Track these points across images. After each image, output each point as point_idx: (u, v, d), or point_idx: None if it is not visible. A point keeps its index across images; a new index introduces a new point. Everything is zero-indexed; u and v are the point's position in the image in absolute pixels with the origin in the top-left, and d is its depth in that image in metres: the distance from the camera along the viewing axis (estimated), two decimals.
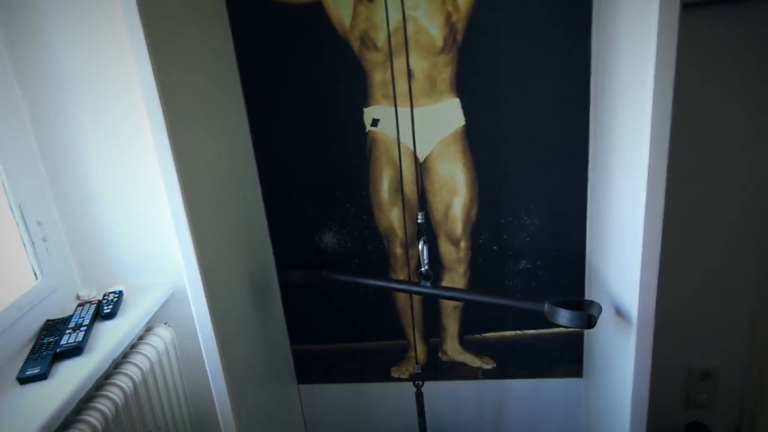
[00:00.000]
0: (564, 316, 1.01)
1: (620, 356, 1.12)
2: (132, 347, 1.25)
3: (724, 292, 1.40)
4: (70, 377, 1.03)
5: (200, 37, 1.11)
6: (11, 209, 1.16)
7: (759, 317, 1.40)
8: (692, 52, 1.20)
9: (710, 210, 1.33)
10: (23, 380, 1.03)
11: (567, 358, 1.45)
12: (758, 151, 1.27)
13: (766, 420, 1.51)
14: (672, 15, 0.82)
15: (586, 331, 1.40)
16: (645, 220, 0.94)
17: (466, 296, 1.18)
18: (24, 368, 1.05)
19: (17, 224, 1.17)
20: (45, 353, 1.08)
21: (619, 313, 1.08)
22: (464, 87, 1.22)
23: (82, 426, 1.01)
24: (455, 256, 1.37)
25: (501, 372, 1.49)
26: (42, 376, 1.03)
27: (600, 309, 1.06)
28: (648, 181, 0.91)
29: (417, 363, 1.48)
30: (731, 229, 1.34)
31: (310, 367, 1.53)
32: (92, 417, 1.03)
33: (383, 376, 1.52)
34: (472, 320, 1.44)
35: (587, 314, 0.99)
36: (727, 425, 1.53)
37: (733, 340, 1.44)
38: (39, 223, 1.21)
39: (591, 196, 1.27)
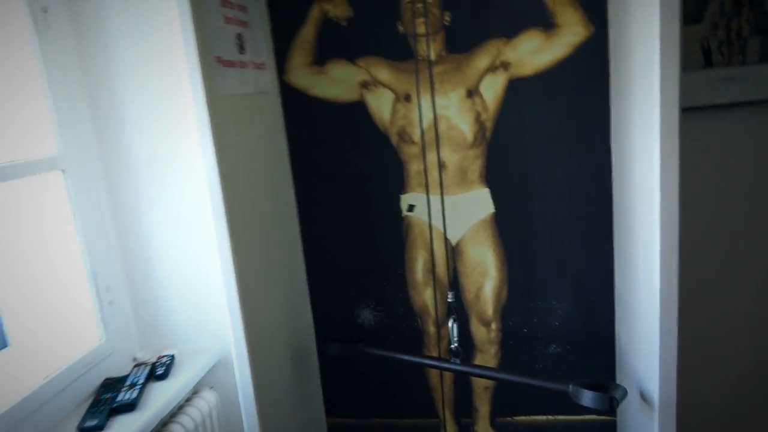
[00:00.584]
0: (587, 397, 1.04)
1: None
2: (179, 408, 1.34)
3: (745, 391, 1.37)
4: (126, 426, 1.13)
5: (257, 131, 1.28)
6: (87, 275, 1.31)
7: None
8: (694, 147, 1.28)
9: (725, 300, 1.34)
10: (82, 431, 1.14)
11: None
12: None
13: None
14: (672, 119, 0.92)
15: (619, 420, 1.40)
16: (660, 306, 0.99)
17: (492, 374, 1.23)
18: (83, 420, 1.16)
19: (89, 289, 1.32)
20: (102, 408, 1.19)
21: (644, 399, 1.10)
22: (493, 178, 1.33)
23: None
24: (486, 336, 1.43)
25: None
26: (99, 428, 1.13)
27: (625, 392, 1.08)
28: (661, 268, 0.97)
29: None
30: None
31: None
32: None
33: None
34: (504, 402, 1.46)
35: (610, 396, 1.02)
36: None
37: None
38: (108, 289, 1.36)
39: (618, 282, 1.31)
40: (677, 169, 0.92)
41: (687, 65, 1.31)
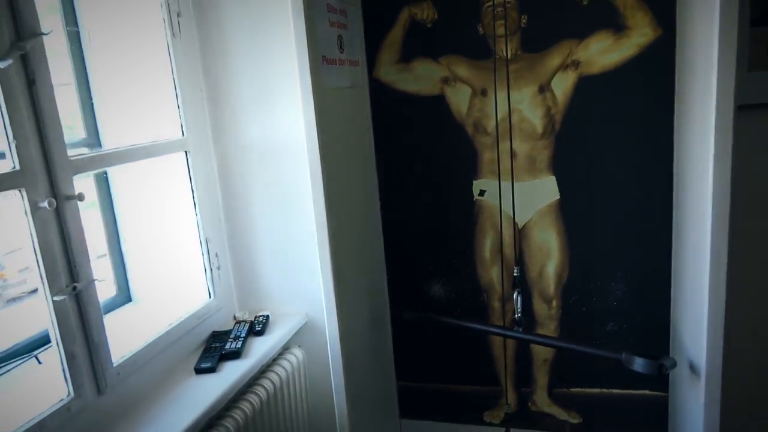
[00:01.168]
0: (638, 363, 1.16)
1: (694, 415, 1.23)
2: (273, 360, 1.54)
3: None
4: (231, 373, 1.34)
5: (350, 119, 1.45)
6: (200, 242, 1.53)
7: None
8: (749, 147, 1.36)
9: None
10: (198, 371, 1.35)
11: (653, 421, 1.54)
12: None
13: None
14: (727, 118, 1.02)
15: (671, 396, 1.50)
16: (709, 287, 1.10)
17: (552, 342, 1.36)
18: (199, 362, 1.38)
19: (202, 254, 1.54)
20: (214, 354, 1.41)
21: (693, 370, 1.21)
22: (560, 167, 1.45)
23: (237, 412, 1.30)
24: (547, 313, 1.56)
25: (587, 428, 1.60)
26: (212, 369, 1.35)
27: (674, 363, 1.20)
28: (711, 255, 1.08)
29: (509, 411, 1.64)
30: None
31: (412, 403, 1.74)
32: (245, 406, 1.32)
33: (477, 419, 1.69)
34: (561, 374, 1.59)
35: (659, 363, 1.14)
36: None
37: None
38: (216, 255, 1.58)
39: (674, 267, 1.41)
40: (729, 163, 1.02)
41: (753, 65, 1.39)
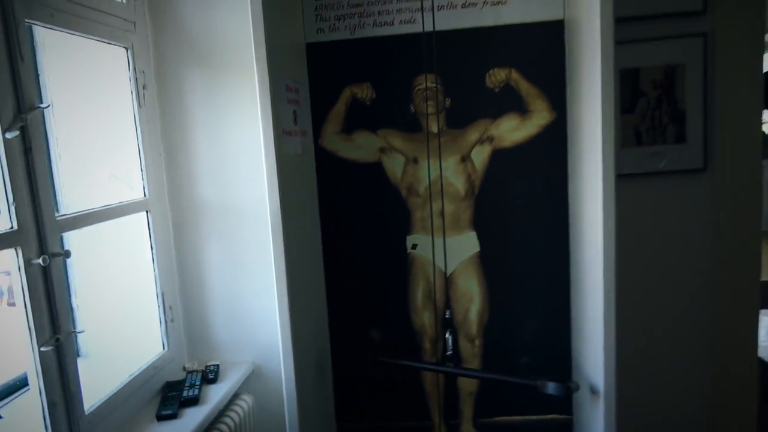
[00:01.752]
0: (551, 387, 1.41)
1: (595, 430, 1.49)
2: (226, 406, 1.64)
3: (686, 395, 1.77)
4: (192, 419, 1.43)
5: (299, 183, 1.63)
6: (156, 296, 1.62)
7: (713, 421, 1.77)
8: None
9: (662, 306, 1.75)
10: (160, 417, 1.43)
11: None
12: (699, 265, 1.73)
13: None
14: (608, 183, 1.33)
15: (575, 418, 1.76)
16: (604, 322, 1.38)
17: (482, 374, 1.59)
18: (160, 410, 1.46)
19: (158, 307, 1.63)
20: (173, 401, 1.49)
21: (593, 392, 1.48)
22: (479, 224, 1.72)
23: None
24: (471, 351, 1.78)
25: None
26: (174, 416, 1.43)
27: (578, 386, 1.46)
28: (604, 293, 1.36)
29: None
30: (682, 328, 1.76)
31: None
32: None
33: None
34: (484, 406, 1.81)
35: (566, 385, 1.39)
36: None
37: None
38: (170, 308, 1.67)
39: (573, 307, 1.70)
40: (612, 215, 1.32)
41: (624, 143, 1.75)
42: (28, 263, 1.11)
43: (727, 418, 1.80)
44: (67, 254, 1.19)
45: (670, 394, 1.79)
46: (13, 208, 1.08)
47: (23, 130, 1.11)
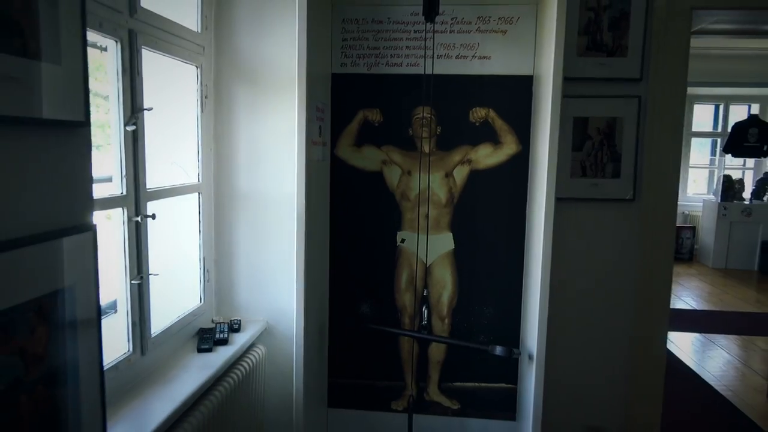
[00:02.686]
0: (498, 349, 1.87)
1: (530, 393, 1.94)
2: (245, 352, 2.08)
3: (607, 374, 2.24)
4: (223, 353, 1.87)
5: (318, 183, 2.08)
6: (199, 260, 2.06)
7: (631, 392, 2.23)
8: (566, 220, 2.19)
9: (597, 301, 2.22)
10: (200, 350, 1.87)
11: (507, 405, 2.24)
12: (625, 266, 2.20)
13: None
14: (549, 205, 1.80)
15: (519, 386, 2.22)
16: (539, 307, 1.84)
17: (446, 340, 2.05)
18: (199, 344, 1.90)
19: (200, 269, 2.07)
20: (209, 340, 1.93)
21: (530, 359, 1.94)
22: (456, 227, 2.18)
23: (229, 379, 1.83)
24: (441, 328, 2.24)
25: (463, 412, 2.27)
26: (210, 350, 1.87)
27: (519, 352, 1.92)
28: (540, 288, 1.83)
29: (410, 400, 2.27)
30: (609, 321, 2.23)
31: (337, 395, 2.32)
32: (234, 376, 1.85)
33: (386, 407, 2.30)
34: (449, 372, 2.26)
35: (509, 349, 1.86)
36: None
37: (616, 406, 2.25)
38: (208, 271, 2.11)
39: (524, 295, 2.17)
40: (551, 231, 1.79)
41: (573, 174, 2.23)
42: (129, 220, 1.55)
43: (641, 382, 2.27)
44: (153, 217, 1.64)
45: (596, 365, 2.26)
46: (124, 180, 1.53)
47: (135, 125, 1.57)
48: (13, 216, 0.78)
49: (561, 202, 2.17)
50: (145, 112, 1.60)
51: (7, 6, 0.71)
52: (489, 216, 2.18)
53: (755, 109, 7.90)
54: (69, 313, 0.84)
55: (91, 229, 0.91)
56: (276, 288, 2.24)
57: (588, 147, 2.18)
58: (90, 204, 0.93)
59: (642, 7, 2.07)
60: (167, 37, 1.74)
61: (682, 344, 4.52)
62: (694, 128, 8.30)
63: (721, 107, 8.31)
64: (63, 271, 0.83)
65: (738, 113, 7.95)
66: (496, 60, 2.11)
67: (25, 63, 0.75)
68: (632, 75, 2.12)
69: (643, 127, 2.15)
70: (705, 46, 6.69)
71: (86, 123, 0.89)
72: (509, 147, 2.14)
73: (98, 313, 0.93)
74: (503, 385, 2.25)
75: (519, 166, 2.14)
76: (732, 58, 7.23)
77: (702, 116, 8.39)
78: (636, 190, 2.18)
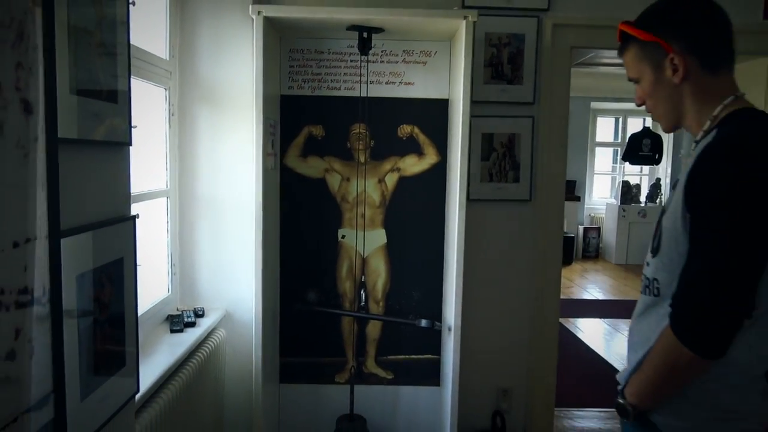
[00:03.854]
0: (422, 322, 2.31)
1: (448, 366, 2.38)
2: (209, 334, 2.40)
3: (514, 343, 2.73)
4: (192, 333, 2.19)
5: (270, 189, 2.44)
6: (167, 255, 2.38)
7: (532, 357, 2.73)
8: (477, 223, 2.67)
9: (504, 283, 2.71)
10: (173, 331, 2.18)
11: (432, 374, 2.68)
12: (525, 254, 2.70)
13: (541, 419, 2.76)
14: (462, 205, 2.25)
15: (441, 357, 2.65)
16: (455, 288, 2.29)
17: (380, 317, 2.46)
18: (172, 327, 2.21)
19: (168, 263, 2.38)
20: (179, 323, 2.24)
21: (449, 330, 2.38)
22: (388, 224, 2.60)
23: (194, 360, 2.16)
24: (377, 310, 2.65)
25: (397, 381, 2.69)
26: (181, 331, 2.19)
27: (440, 325, 2.37)
28: (456, 274, 2.28)
29: (351, 372, 2.66)
30: (516, 296, 2.72)
31: (288, 372, 2.67)
32: (200, 354, 2.18)
33: (331, 380, 2.68)
34: (384, 347, 2.67)
35: (432, 321, 2.29)
36: (519, 422, 2.76)
37: (522, 370, 2.74)
38: (174, 265, 2.43)
39: (444, 280, 2.61)
40: (463, 226, 2.24)
41: (482, 179, 2.71)
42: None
43: (540, 348, 2.77)
44: (137, 216, 1.95)
45: (504, 337, 2.74)
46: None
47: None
48: (92, 205, 1.11)
49: (473, 202, 2.64)
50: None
51: (104, 79, 1.06)
52: (415, 215, 2.61)
53: (648, 122, 8.88)
54: (121, 276, 1.18)
55: (133, 219, 1.25)
56: (232, 280, 2.57)
57: (494, 157, 2.66)
58: (128, 200, 1.28)
59: (533, 46, 2.58)
60: (143, 64, 2.06)
61: (588, 329, 5.16)
62: (598, 139, 9.21)
63: (621, 120, 9.29)
64: (117, 246, 1.17)
65: (634, 125, 8.91)
66: (419, 86, 2.56)
67: (106, 106, 1.09)
68: (527, 99, 2.63)
69: (536, 141, 2.66)
70: (606, 63, 7.54)
71: (129, 143, 1.24)
72: (431, 157, 2.59)
73: (136, 278, 1.26)
74: (429, 356, 2.69)
75: (438, 173, 2.59)
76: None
77: (604, 128, 9.34)
78: (532, 192, 2.69)
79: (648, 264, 1.24)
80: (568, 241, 7.97)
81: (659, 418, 1.16)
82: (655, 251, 1.20)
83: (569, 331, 5.03)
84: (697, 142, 1.19)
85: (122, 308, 1.19)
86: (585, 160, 9.04)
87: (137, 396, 1.41)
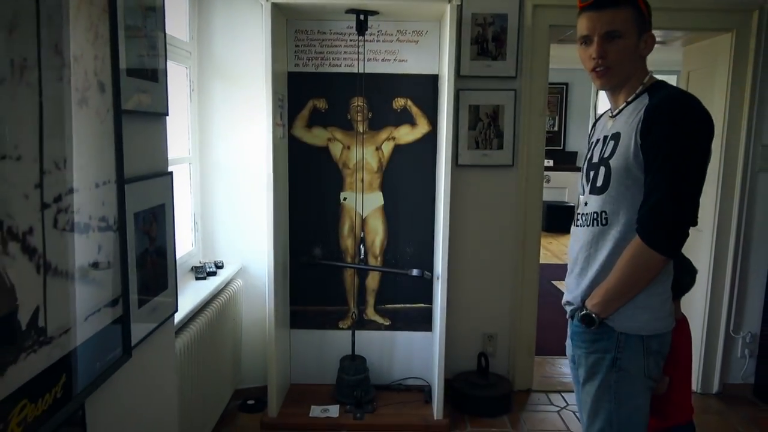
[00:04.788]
0: (414, 271, 2.64)
1: (438, 312, 2.72)
2: (228, 282, 2.75)
3: (498, 294, 3.06)
4: (214, 281, 2.54)
5: (281, 156, 2.76)
6: (191, 215, 2.72)
7: (513, 307, 3.07)
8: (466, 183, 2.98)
9: (489, 239, 3.03)
10: (197, 278, 2.54)
11: (425, 320, 3.02)
12: (509, 215, 3.02)
13: (522, 363, 3.11)
14: (448, 170, 2.56)
15: (433, 306, 2.99)
16: (442, 242, 2.61)
17: (379, 268, 2.80)
18: (197, 275, 2.56)
19: (192, 221, 2.73)
20: (203, 272, 2.59)
21: (437, 278, 2.71)
22: (385, 187, 2.92)
23: (220, 298, 2.51)
24: (375, 264, 2.98)
25: (393, 326, 3.04)
26: (205, 278, 2.54)
27: (431, 275, 2.70)
28: (442, 229, 2.60)
29: (353, 319, 3.01)
30: (500, 250, 3.04)
31: (297, 319, 3.03)
32: (221, 299, 2.54)
33: (335, 326, 3.03)
34: (381, 297, 3.01)
35: (423, 271, 2.63)
36: (502, 364, 3.11)
37: (505, 317, 3.08)
38: (196, 222, 2.77)
39: (435, 236, 2.93)
40: (449, 188, 2.55)
41: (469, 147, 3.00)
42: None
43: (521, 296, 3.10)
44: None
45: (489, 286, 3.08)
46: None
47: None
48: (142, 162, 1.44)
49: (461, 167, 2.95)
50: None
51: (147, 61, 1.39)
52: (409, 179, 2.93)
53: None
54: (164, 218, 1.51)
55: (170, 174, 1.59)
56: (247, 236, 2.91)
57: (480, 127, 2.96)
58: (167, 160, 1.62)
59: (515, 26, 2.85)
60: (169, 47, 2.37)
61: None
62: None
63: None
64: (160, 194, 1.50)
65: None
66: (411, 62, 2.85)
67: (150, 84, 1.41)
68: (509, 74, 2.91)
69: (518, 112, 2.95)
70: None
71: (167, 113, 1.56)
72: (423, 127, 2.89)
73: (174, 221, 1.59)
74: (422, 305, 3.03)
75: (430, 142, 2.89)
76: None
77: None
78: (514, 158, 2.99)
79: (587, 203, 1.54)
80: (569, 210, 8.25)
81: (615, 323, 1.48)
82: (601, 189, 1.49)
83: (560, 291, 5.36)
84: (627, 103, 1.50)
85: (164, 243, 1.53)
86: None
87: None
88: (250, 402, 2.92)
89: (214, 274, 2.63)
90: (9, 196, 0.88)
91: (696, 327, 3.16)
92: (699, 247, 3.11)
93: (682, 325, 1.70)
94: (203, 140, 2.78)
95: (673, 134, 1.38)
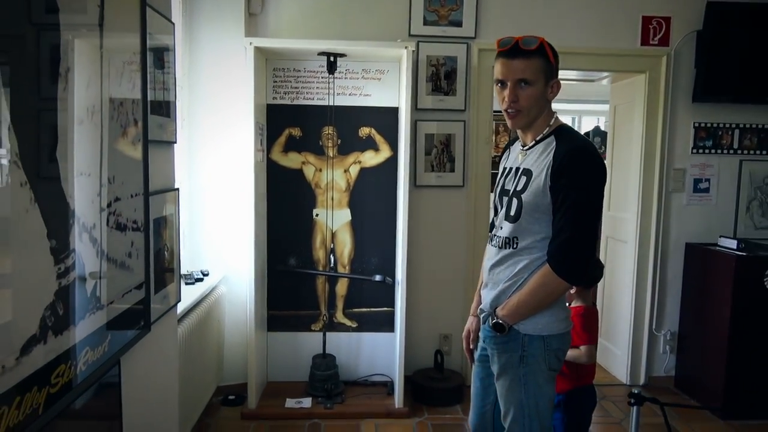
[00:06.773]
0: (377, 277, 3.05)
1: (398, 315, 3.12)
2: (213, 288, 3.11)
3: (451, 298, 3.48)
4: (203, 285, 2.91)
5: (260, 178, 3.15)
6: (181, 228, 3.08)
7: (466, 309, 3.49)
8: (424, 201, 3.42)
9: (444, 250, 3.46)
10: (187, 283, 2.89)
11: (388, 323, 3.42)
12: (461, 228, 3.45)
13: None
14: (406, 190, 2.99)
15: (395, 310, 3.39)
16: (401, 251, 3.03)
17: (347, 275, 3.20)
18: (185, 280, 2.92)
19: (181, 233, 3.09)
20: (191, 279, 2.95)
21: (396, 284, 3.12)
22: (352, 204, 3.33)
23: (206, 302, 2.87)
24: (344, 272, 3.37)
25: (360, 328, 3.42)
26: (192, 284, 2.90)
27: (392, 280, 3.11)
28: (402, 241, 3.02)
29: (324, 322, 3.38)
30: (452, 256, 3.47)
31: (273, 322, 3.39)
32: (208, 301, 2.90)
33: (308, 328, 3.40)
34: (349, 302, 3.40)
35: (384, 277, 3.03)
36: (456, 361, 3.52)
37: (459, 319, 3.50)
38: (185, 235, 3.13)
39: (396, 248, 3.35)
40: (408, 205, 2.98)
41: (426, 170, 3.45)
42: None
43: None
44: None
45: (444, 291, 3.49)
46: None
47: None
48: (158, 179, 1.82)
49: (419, 187, 3.38)
50: None
51: (163, 96, 1.78)
52: (373, 197, 3.35)
53: (600, 122, 9.73)
54: (172, 224, 1.90)
55: (177, 189, 1.97)
56: (230, 248, 3.28)
57: (434, 152, 3.41)
58: (174, 178, 2.00)
59: (464, 66, 3.34)
60: None
61: None
62: None
63: (576, 119, 10.13)
64: (170, 205, 1.88)
65: (588, 123, 9.74)
66: (375, 96, 3.29)
67: (164, 120, 1.81)
68: (459, 107, 3.38)
69: (467, 141, 3.41)
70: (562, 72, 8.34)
71: (175, 141, 1.95)
72: (385, 153, 3.33)
73: (179, 227, 1.97)
74: (385, 309, 3.42)
75: (392, 165, 3.33)
76: (582, 82, 8.97)
77: None
78: (464, 179, 3.44)
79: (502, 228, 1.80)
80: None
81: (522, 327, 1.74)
82: (514, 219, 1.75)
83: None
84: (537, 141, 1.80)
85: (173, 245, 1.91)
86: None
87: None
88: (231, 397, 3.25)
89: (201, 280, 2.98)
90: (83, 201, 1.26)
91: (624, 326, 3.65)
92: (624, 256, 3.61)
93: (594, 309, 2.23)
94: (192, 164, 3.15)
95: (578, 185, 1.62)
